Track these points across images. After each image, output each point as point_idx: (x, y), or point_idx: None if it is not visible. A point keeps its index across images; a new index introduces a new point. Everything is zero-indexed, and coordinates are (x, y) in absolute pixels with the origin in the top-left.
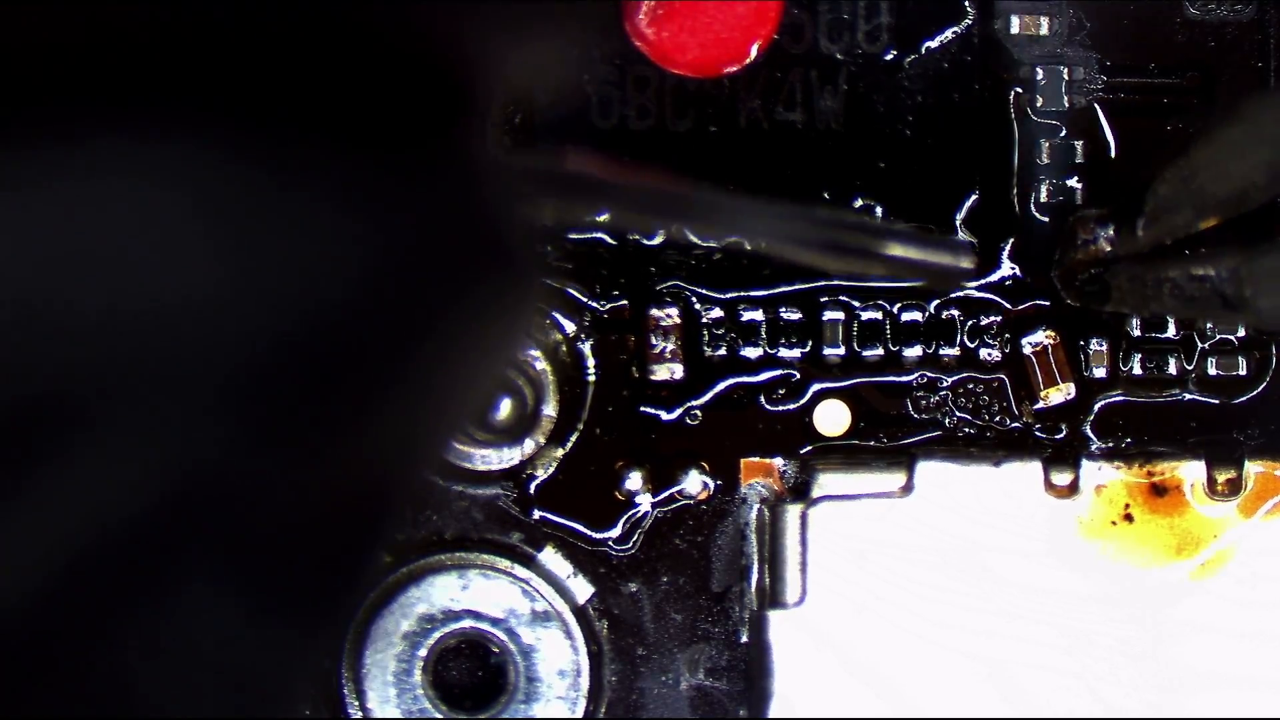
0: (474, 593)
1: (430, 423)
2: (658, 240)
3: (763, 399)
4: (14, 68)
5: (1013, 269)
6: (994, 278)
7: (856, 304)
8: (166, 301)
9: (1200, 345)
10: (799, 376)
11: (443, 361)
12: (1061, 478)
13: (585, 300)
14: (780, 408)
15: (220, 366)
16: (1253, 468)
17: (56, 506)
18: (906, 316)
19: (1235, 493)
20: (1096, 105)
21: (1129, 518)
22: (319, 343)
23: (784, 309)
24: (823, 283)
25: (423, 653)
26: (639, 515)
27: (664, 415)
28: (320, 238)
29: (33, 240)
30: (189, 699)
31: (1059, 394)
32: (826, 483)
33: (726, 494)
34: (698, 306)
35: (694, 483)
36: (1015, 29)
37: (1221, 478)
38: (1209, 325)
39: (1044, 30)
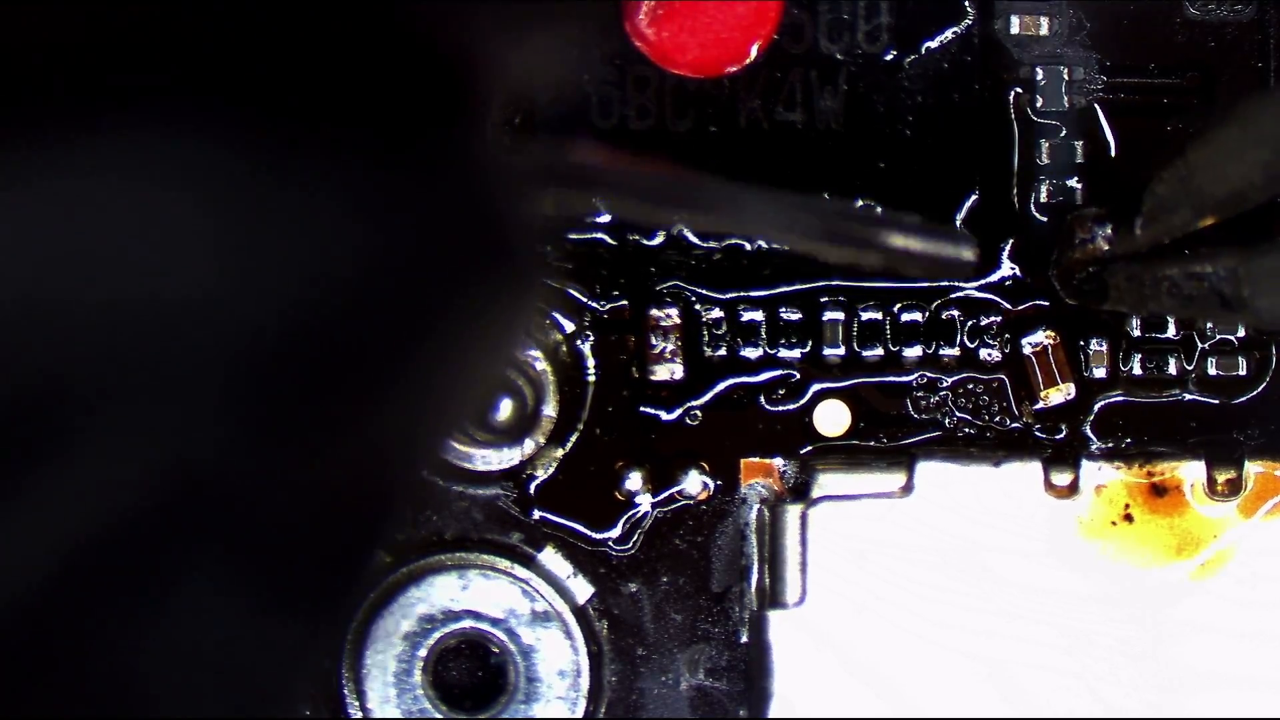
0: (474, 593)
1: (430, 420)
2: (659, 238)
3: (763, 399)
4: (14, 63)
5: (1013, 269)
6: (994, 278)
7: (856, 304)
8: (166, 298)
9: (1200, 345)
10: (799, 377)
11: (442, 359)
12: (1061, 478)
13: (585, 300)
14: (780, 408)
15: (220, 363)
16: (1253, 468)
17: (56, 504)
18: (906, 317)
19: (1235, 493)
20: (1096, 105)
21: (1129, 518)
22: (319, 340)
23: (784, 309)
24: (823, 283)
25: (423, 653)
26: (639, 515)
27: (664, 415)
28: (320, 235)
29: (32, 236)
30: (188, 697)
31: (1059, 394)
32: (826, 483)
33: (726, 494)
34: (698, 306)
35: (694, 483)
36: (1015, 29)
37: (1221, 478)
38: (1209, 325)
39: (1044, 30)
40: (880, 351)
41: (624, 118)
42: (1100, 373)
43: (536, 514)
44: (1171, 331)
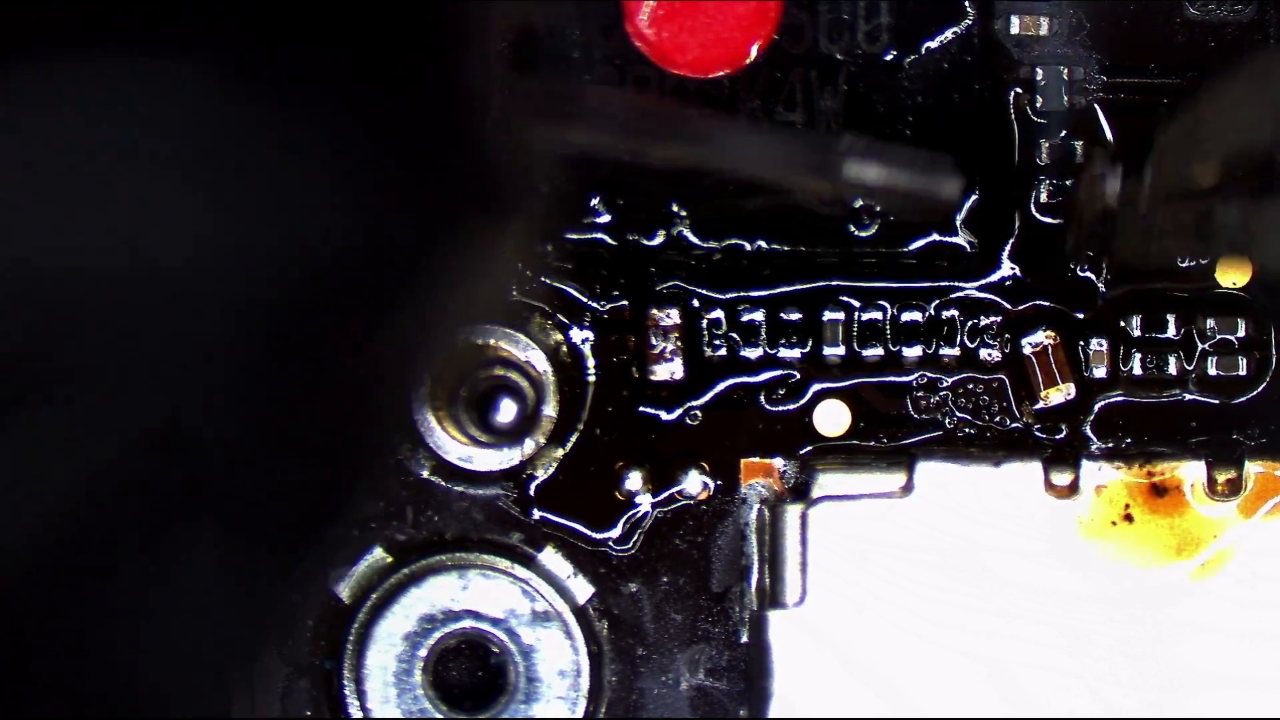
0: (474, 593)
1: (410, 364)
2: (659, 238)
3: (763, 399)
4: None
5: (1013, 269)
6: (994, 278)
7: (856, 304)
8: (152, 246)
9: (1200, 345)
10: (799, 377)
11: (428, 296)
12: (1061, 478)
13: (585, 300)
14: (780, 408)
15: (203, 313)
16: (1253, 468)
17: (44, 455)
18: (906, 316)
19: (1235, 493)
20: (1096, 105)
21: (1129, 518)
22: (306, 285)
23: (784, 309)
24: (822, 283)
25: (423, 653)
26: (639, 515)
27: (664, 415)
28: (308, 178)
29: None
30: (169, 641)
31: (1059, 394)
32: (826, 483)
33: (726, 494)
34: (698, 306)
35: (694, 483)
36: (1015, 29)
37: (1221, 478)
38: (1209, 325)
39: (1044, 30)
40: (880, 351)
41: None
42: (1100, 373)
43: (536, 514)
44: (1171, 331)
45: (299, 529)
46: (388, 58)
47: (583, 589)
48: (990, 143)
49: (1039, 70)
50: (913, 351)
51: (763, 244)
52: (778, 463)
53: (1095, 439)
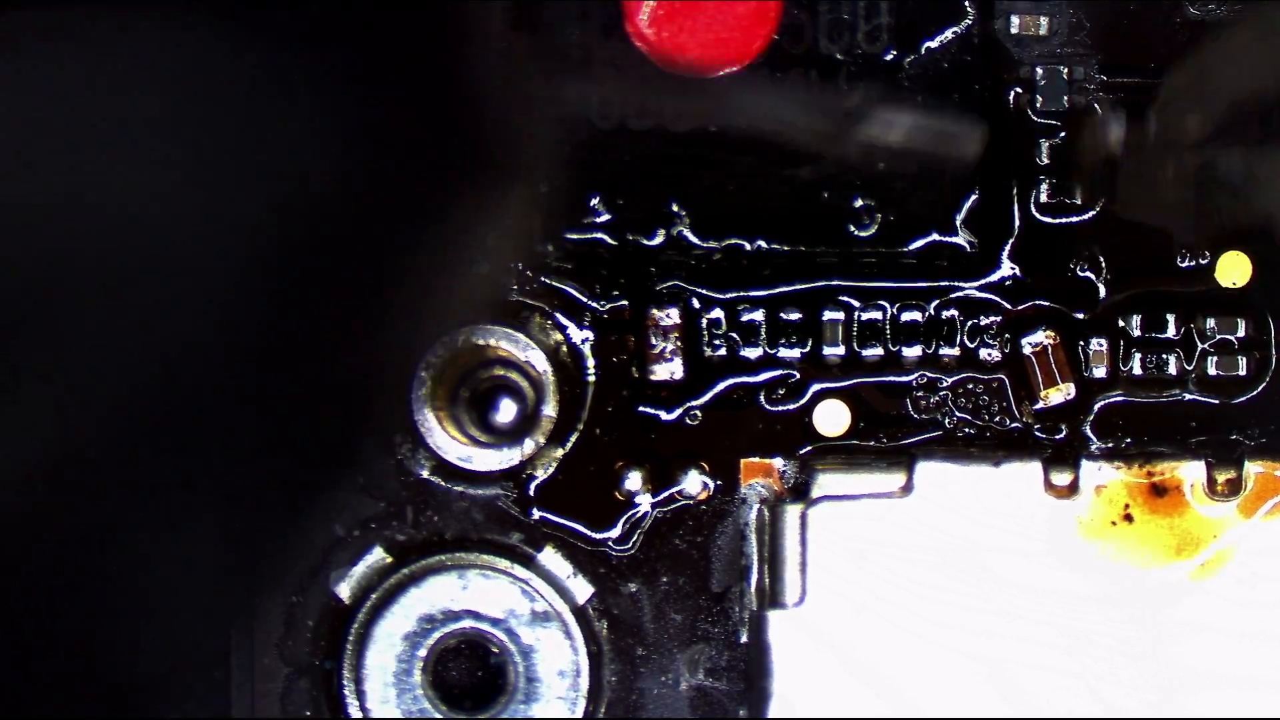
0: (474, 593)
1: (408, 328)
2: (659, 238)
3: (763, 399)
4: None
5: (1013, 269)
6: (994, 278)
7: (856, 304)
8: (140, 191)
9: (1200, 345)
10: (799, 376)
11: (423, 248)
12: (1061, 478)
13: (585, 300)
14: (780, 408)
15: (193, 261)
16: (1253, 468)
17: (42, 405)
18: (906, 316)
19: (1235, 493)
20: (1096, 105)
21: (1129, 518)
22: (301, 243)
23: (784, 309)
24: (822, 283)
25: (422, 653)
26: (639, 515)
27: (664, 415)
28: (303, 134)
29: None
30: (162, 597)
31: (1059, 394)
32: (826, 483)
33: (726, 494)
34: (698, 306)
35: (694, 483)
36: (1015, 29)
37: (1221, 478)
38: (1209, 325)
39: (1044, 30)
40: (880, 351)
41: (624, 118)
42: (1100, 373)
43: (536, 514)
44: (1171, 331)
45: (296, 481)
46: (386, 11)
47: (582, 589)
48: (990, 143)
49: (1039, 70)
50: (912, 351)
51: (763, 244)
52: (777, 463)
53: (1095, 439)
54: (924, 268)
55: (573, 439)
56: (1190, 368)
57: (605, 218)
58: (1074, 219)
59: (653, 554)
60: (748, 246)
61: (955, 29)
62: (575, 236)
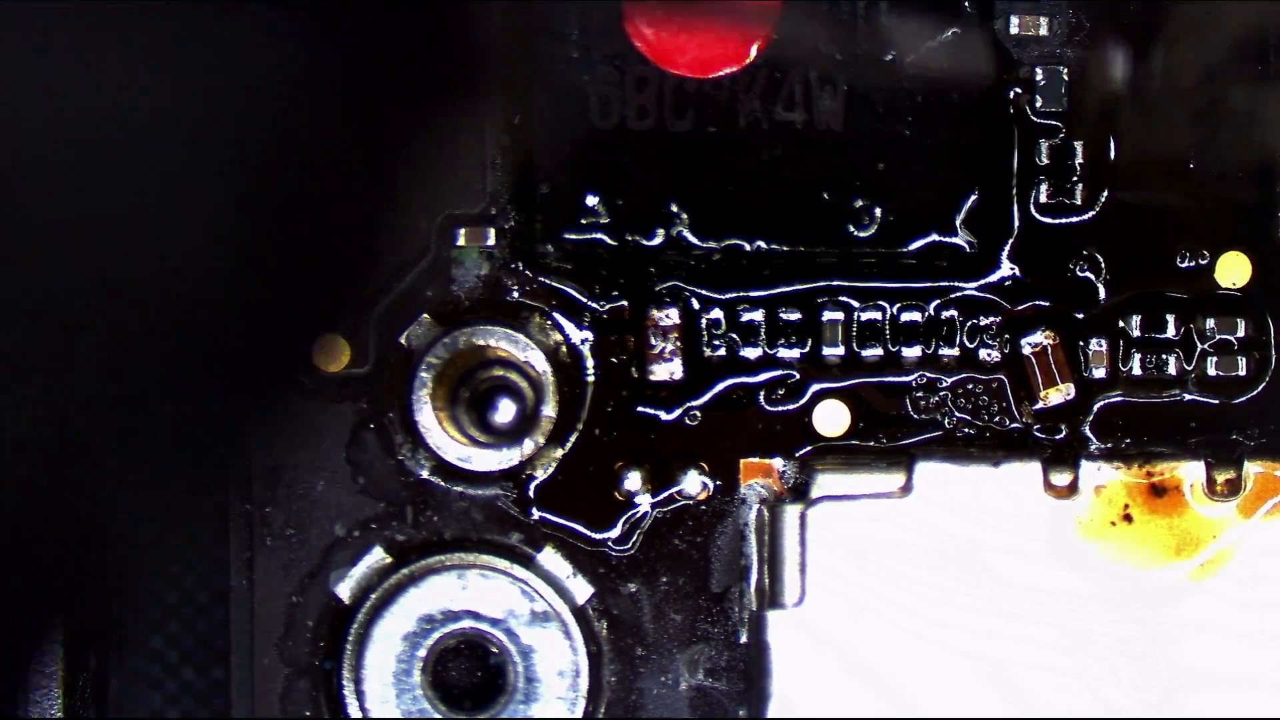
0: (473, 593)
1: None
2: (659, 238)
3: (762, 399)
4: None
5: (1012, 269)
6: (994, 278)
7: (856, 304)
8: (114, 111)
9: (1200, 345)
10: (798, 377)
11: (401, 171)
12: (1061, 478)
13: (585, 300)
14: (780, 408)
15: (178, 177)
16: (1252, 468)
17: (44, 283)
18: (906, 317)
19: (1235, 493)
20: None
21: (1128, 518)
22: (278, 152)
23: (784, 309)
24: (822, 283)
25: (422, 653)
26: (638, 515)
27: (663, 415)
28: (283, 46)
29: None
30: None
31: (1059, 394)
32: (826, 483)
33: (726, 494)
34: (697, 306)
35: (693, 483)
36: (1015, 29)
37: (1221, 478)
38: (1209, 325)
39: (1044, 30)
40: (880, 351)
41: (624, 118)
42: (1100, 373)
43: (536, 514)
44: (1171, 331)
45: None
46: None
47: (582, 589)
48: (990, 143)
49: (1039, 70)
50: (912, 351)
51: (762, 244)
52: (777, 463)
53: (1095, 439)
54: (924, 268)
55: (572, 439)
56: (1190, 368)
57: (605, 218)
58: (1074, 219)
59: (652, 554)
60: (747, 247)
61: (955, 29)
62: (575, 237)
